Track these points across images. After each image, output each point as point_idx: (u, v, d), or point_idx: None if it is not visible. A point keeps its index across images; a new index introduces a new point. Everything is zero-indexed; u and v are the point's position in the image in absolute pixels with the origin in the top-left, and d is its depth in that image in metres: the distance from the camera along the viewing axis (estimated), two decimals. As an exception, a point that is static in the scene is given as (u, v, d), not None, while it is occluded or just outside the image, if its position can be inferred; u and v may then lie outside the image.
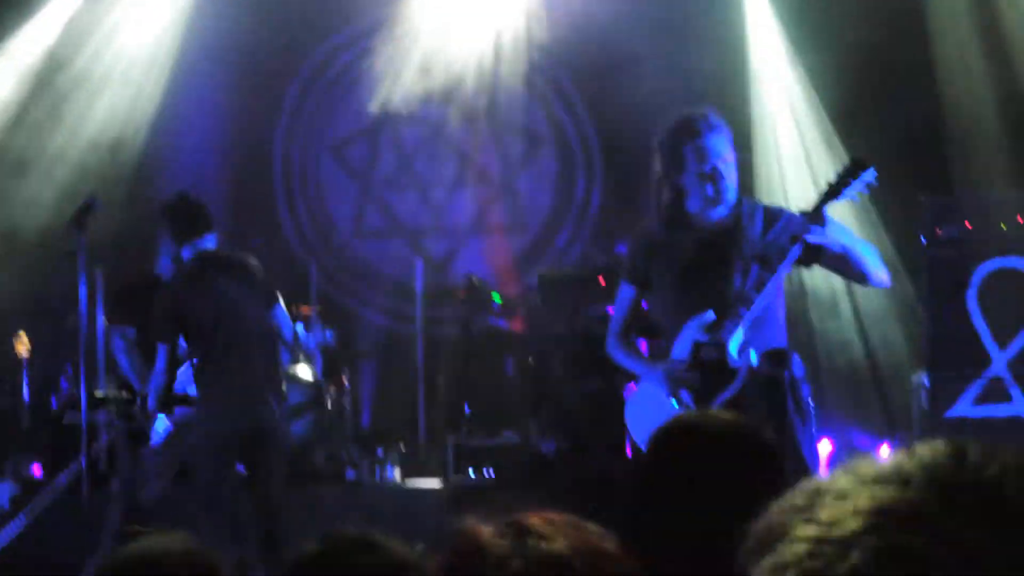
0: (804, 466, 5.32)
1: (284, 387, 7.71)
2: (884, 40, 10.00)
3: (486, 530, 1.60)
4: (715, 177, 5.52)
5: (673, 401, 5.56)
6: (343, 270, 12.30)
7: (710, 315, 5.50)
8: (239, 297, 7.42)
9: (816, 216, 5.26)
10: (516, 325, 10.96)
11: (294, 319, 8.42)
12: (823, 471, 6.68)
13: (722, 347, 5.43)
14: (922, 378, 8.65)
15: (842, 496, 0.97)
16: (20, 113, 11.24)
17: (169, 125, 11.71)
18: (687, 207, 5.65)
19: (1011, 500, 0.95)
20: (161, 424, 7.69)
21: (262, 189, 12.36)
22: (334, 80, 12.48)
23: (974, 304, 8.21)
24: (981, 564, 0.91)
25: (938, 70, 10.09)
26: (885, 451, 9.36)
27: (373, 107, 12.05)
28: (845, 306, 10.29)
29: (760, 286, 5.38)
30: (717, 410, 2.92)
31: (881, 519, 0.94)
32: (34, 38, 11.31)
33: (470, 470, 9.69)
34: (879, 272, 5.45)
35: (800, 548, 0.95)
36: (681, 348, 5.56)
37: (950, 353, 8.31)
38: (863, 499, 0.96)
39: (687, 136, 5.55)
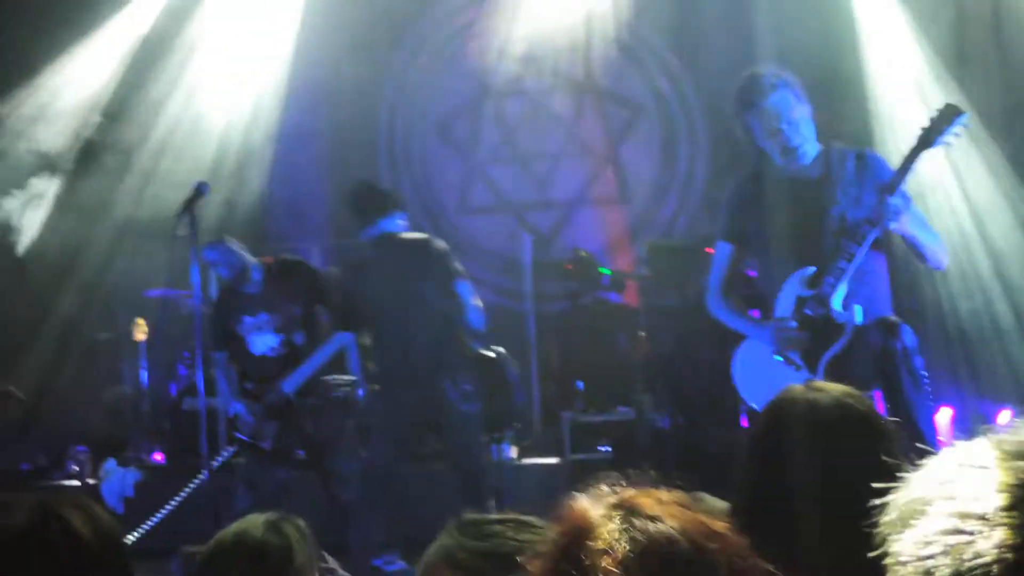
0: (923, 440, 5.25)
1: (463, 367, 7.79)
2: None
3: (596, 509, 1.59)
4: (781, 138, 5.53)
5: (781, 359, 5.58)
6: (451, 247, 12.31)
7: (811, 269, 5.48)
8: (409, 277, 7.61)
9: (893, 189, 5.25)
10: (630, 298, 10.91)
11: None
12: (943, 441, 6.57)
13: (826, 302, 5.41)
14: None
15: (983, 471, 0.94)
16: (122, 103, 11.41)
17: (273, 107, 11.82)
18: (772, 162, 5.65)
19: None
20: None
21: (368, 167, 12.43)
22: (436, 55, 12.50)
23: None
24: None
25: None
26: (1006, 415, 9.17)
27: (475, 81, 12.07)
28: (965, 267, 10.08)
29: (858, 238, 5.34)
30: (827, 381, 2.84)
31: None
32: (133, 23, 11.47)
33: (587, 447, 9.68)
34: (939, 258, 5.52)
35: (943, 523, 0.93)
36: (784, 305, 5.58)
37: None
38: (1006, 474, 0.93)
39: (747, 102, 5.58)
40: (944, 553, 0.93)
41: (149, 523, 8.39)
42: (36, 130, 11.30)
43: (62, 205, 11.18)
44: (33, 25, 11.06)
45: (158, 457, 10.28)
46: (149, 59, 11.43)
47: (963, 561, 0.92)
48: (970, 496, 0.95)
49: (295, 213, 11.86)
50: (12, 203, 11.28)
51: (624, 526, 1.55)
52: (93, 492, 9.35)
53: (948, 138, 5.29)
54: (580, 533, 1.56)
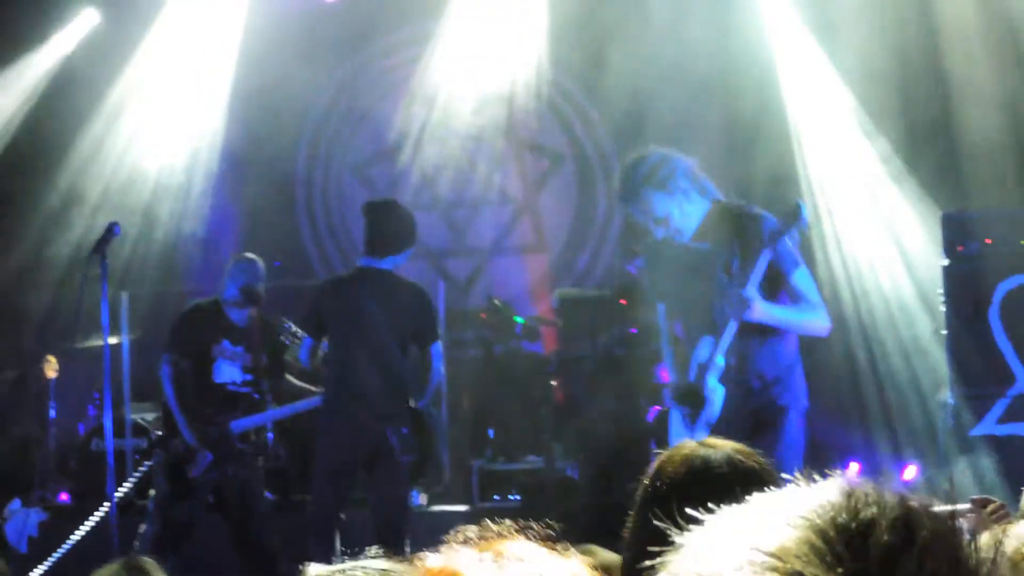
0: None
1: (405, 418, 7.87)
2: (898, 48, 9.98)
3: (466, 558, 1.61)
4: (652, 229, 5.93)
5: (681, 417, 5.98)
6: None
7: (709, 341, 5.84)
8: (395, 320, 7.72)
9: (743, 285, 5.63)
10: (549, 346, 10.98)
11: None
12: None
13: (702, 373, 5.82)
14: (946, 397, 8.61)
15: (730, 531, 0.98)
16: (38, 133, 11.36)
17: (188, 150, 11.82)
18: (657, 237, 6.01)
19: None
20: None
21: (284, 210, 12.43)
22: (358, 99, 12.54)
23: (996, 321, 8.16)
24: None
25: (950, 81, 10.05)
26: (911, 471, 9.30)
27: (396, 127, 12.13)
28: (867, 325, 10.26)
29: (731, 315, 5.68)
30: (713, 438, 2.92)
31: (754, 556, 0.96)
32: (53, 57, 11.46)
33: (497, 495, 9.70)
34: (813, 330, 5.96)
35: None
36: (692, 370, 5.95)
37: (973, 371, 8.26)
38: (743, 535, 0.98)
39: (622, 197, 6.02)
40: None
41: (49, 561, 8.30)
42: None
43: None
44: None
45: (64, 497, 10.16)
46: (66, 90, 11.40)
47: None
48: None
49: (208, 252, 11.81)
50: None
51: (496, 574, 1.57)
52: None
53: (790, 238, 5.68)
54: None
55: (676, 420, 6.09)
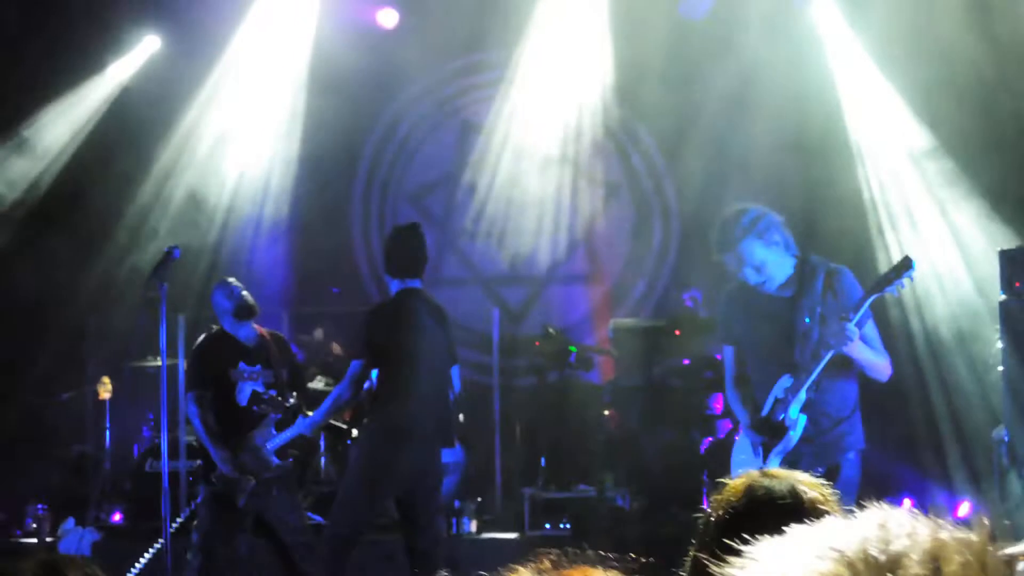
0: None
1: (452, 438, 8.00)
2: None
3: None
4: (749, 278, 6.46)
5: (752, 452, 6.47)
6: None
7: (787, 379, 6.37)
8: (436, 337, 7.77)
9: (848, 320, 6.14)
10: (604, 375, 10.98)
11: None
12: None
13: (785, 407, 6.36)
14: (1002, 433, 8.53)
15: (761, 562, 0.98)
16: (106, 163, 11.49)
17: (249, 172, 11.92)
18: (749, 283, 6.56)
19: None
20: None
21: (341, 238, 12.49)
22: (411, 130, 12.61)
23: (1053, 357, 8.08)
24: None
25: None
26: (965, 508, 9.22)
27: (453, 154, 12.19)
28: (925, 362, 10.19)
29: (816, 358, 6.25)
30: (782, 470, 2.92)
31: None
32: (113, 83, 11.60)
33: (547, 524, 9.69)
34: (880, 374, 6.41)
35: None
36: (768, 404, 6.47)
37: (1029, 408, 8.18)
38: (773, 567, 0.97)
39: (720, 245, 6.50)
40: None
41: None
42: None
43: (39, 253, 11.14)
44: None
45: (117, 518, 10.24)
46: (129, 117, 11.53)
47: None
48: None
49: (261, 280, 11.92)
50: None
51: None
52: (50, 550, 9.29)
53: (899, 287, 6.13)
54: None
55: (742, 449, 6.56)
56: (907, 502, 8.98)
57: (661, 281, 12.01)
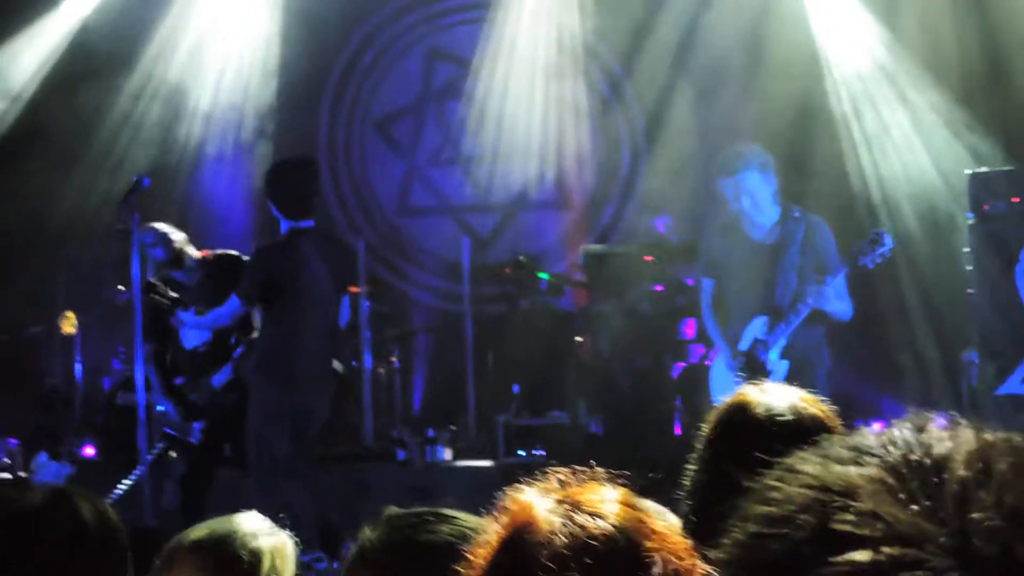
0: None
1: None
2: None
3: (539, 503, 1.61)
4: (744, 211, 6.97)
5: (735, 379, 6.85)
6: (390, 249, 12.33)
7: (764, 319, 6.90)
8: (331, 273, 7.59)
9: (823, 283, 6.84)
10: (576, 302, 10.99)
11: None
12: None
13: (767, 349, 6.88)
14: (971, 355, 8.58)
15: (797, 473, 0.94)
16: (67, 96, 11.34)
17: (220, 100, 11.83)
18: (738, 223, 7.08)
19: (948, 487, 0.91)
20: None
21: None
22: (377, 56, 12.50)
23: (1022, 280, 8.11)
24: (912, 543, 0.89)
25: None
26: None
27: (418, 82, 12.11)
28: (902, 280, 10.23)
29: (794, 311, 6.80)
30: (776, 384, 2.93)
31: (823, 496, 0.91)
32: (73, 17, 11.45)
33: (521, 451, 9.73)
34: (844, 316, 7.05)
35: (750, 527, 0.95)
36: (746, 341, 7.01)
37: (998, 330, 8.22)
38: (811, 477, 0.94)
39: (724, 169, 7.03)
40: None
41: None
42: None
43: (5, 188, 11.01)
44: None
45: (90, 451, 10.21)
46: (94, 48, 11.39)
47: None
48: (778, 499, 0.96)
49: (220, 214, 11.84)
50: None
51: (564, 521, 1.57)
52: (27, 484, 9.27)
53: (875, 260, 6.73)
54: (521, 526, 1.58)
55: (720, 372, 7.06)
56: (876, 426, 9.05)
57: (629, 208, 11.97)
